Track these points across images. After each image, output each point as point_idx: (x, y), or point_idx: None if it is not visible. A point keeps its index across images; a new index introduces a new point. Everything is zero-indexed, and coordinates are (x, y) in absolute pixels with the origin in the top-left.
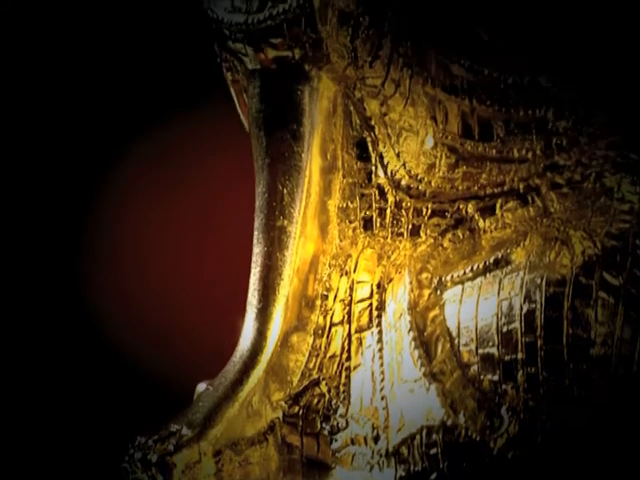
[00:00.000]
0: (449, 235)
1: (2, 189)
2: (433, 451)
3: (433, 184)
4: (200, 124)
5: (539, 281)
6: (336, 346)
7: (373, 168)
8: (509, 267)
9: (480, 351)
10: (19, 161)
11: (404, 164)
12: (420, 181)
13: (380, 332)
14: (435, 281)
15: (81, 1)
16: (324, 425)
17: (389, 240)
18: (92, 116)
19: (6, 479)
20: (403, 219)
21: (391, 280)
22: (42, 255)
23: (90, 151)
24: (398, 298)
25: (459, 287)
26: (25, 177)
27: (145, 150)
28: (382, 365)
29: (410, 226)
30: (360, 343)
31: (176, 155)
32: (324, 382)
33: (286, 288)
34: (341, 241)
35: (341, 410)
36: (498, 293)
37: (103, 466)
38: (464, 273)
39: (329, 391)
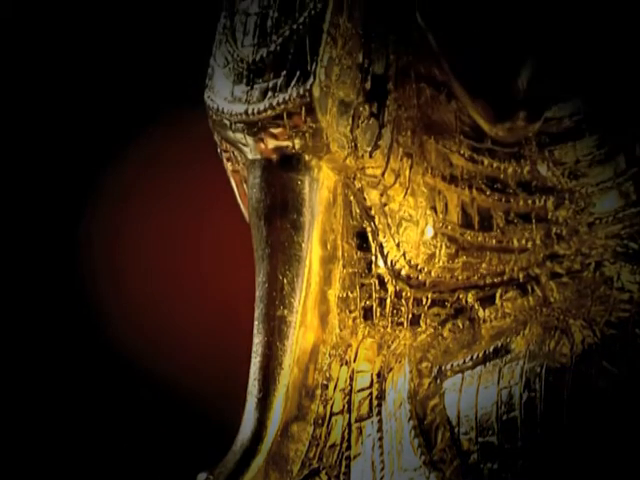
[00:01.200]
0: (449, 325)
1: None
2: None
3: (433, 274)
4: (199, 124)
5: (539, 370)
6: (336, 435)
7: (373, 258)
8: (509, 356)
9: (480, 440)
10: (17, 164)
11: (404, 254)
12: (420, 271)
13: (380, 421)
14: (435, 370)
15: (79, 2)
16: None
17: (389, 329)
18: (90, 117)
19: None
20: (403, 309)
21: (391, 369)
22: (42, 256)
23: (89, 152)
24: (398, 387)
25: (459, 376)
26: (24, 178)
27: (144, 151)
28: (382, 454)
29: (410, 316)
30: (360, 432)
31: (175, 155)
32: (324, 471)
33: (286, 378)
34: (341, 331)
35: None
36: (498, 382)
37: (101, 467)
38: (464, 362)
39: None
